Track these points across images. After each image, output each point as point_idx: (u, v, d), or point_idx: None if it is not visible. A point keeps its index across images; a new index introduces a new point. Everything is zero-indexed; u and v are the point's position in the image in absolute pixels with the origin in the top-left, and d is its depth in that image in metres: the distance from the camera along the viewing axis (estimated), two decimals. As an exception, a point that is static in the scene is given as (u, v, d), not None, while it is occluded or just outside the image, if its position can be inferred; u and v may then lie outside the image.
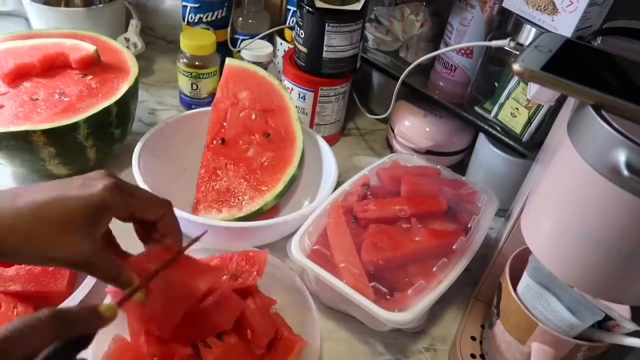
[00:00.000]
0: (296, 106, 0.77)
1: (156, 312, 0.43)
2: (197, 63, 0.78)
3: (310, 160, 0.70)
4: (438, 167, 0.67)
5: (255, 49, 0.78)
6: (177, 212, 0.48)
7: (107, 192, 0.39)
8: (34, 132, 0.59)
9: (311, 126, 0.79)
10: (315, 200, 0.62)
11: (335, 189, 0.62)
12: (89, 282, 0.51)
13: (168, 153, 0.68)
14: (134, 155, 0.63)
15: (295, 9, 0.79)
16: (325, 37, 0.70)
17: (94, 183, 0.39)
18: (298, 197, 0.70)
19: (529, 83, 0.57)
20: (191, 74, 0.79)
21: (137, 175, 0.60)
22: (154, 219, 0.43)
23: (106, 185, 0.39)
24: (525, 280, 0.47)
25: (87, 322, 0.36)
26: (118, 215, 0.41)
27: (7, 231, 0.36)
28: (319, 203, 0.60)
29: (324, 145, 0.71)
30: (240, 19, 0.86)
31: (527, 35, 0.60)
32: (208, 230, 0.46)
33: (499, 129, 0.67)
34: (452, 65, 0.72)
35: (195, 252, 0.55)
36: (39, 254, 0.37)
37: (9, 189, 0.39)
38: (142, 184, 0.59)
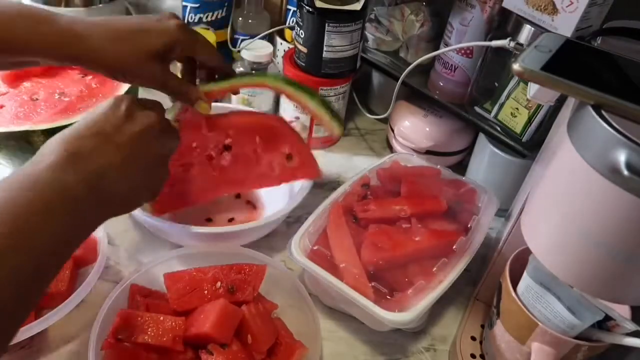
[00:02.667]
0: (296, 106, 0.78)
1: None
2: (197, 63, 0.78)
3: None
4: (438, 167, 0.67)
5: (255, 49, 0.78)
6: (159, 222, 0.54)
7: (180, 29, 0.49)
8: (34, 132, 0.59)
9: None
10: (293, 200, 0.61)
11: (335, 189, 0.62)
12: (89, 282, 0.51)
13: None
14: None
15: (295, 9, 0.79)
16: (325, 37, 0.70)
17: (168, 21, 0.49)
18: (275, 197, 0.69)
19: (529, 83, 0.57)
20: (191, 74, 0.79)
21: None
22: (209, 63, 0.54)
23: (178, 24, 0.49)
24: (525, 280, 0.47)
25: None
26: (184, 49, 0.51)
27: (110, 52, 0.46)
28: (296, 202, 0.60)
29: None
30: (240, 19, 0.86)
31: (527, 35, 0.60)
32: None
33: (499, 129, 0.67)
34: (452, 65, 0.72)
35: (188, 258, 0.56)
36: (123, 70, 0.48)
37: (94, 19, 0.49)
38: None
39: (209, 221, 0.65)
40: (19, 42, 0.45)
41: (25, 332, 0.47)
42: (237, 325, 0.49)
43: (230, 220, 0.66)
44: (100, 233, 0.56)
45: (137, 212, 0.55)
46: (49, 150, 0.36)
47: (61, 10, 0.82)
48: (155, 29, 0.49)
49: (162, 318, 0.47)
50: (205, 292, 0.51)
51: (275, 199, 0.68)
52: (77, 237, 0.37)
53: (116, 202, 0.40)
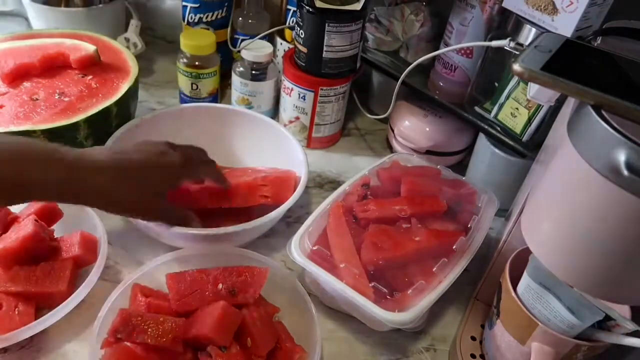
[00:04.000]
0: (296, 106, 0.78)
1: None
2: (197, 63, 0.78)
3: (281, 160, 0.70)
4: (438, 167, 0.67)
5: (255, 49, 0.78)
6: (154, 224, 0.55)
7: (184, 165, 0.52)
8: (34, 132, 0.59)
9: (311, 126, 0.79)
10: (289, 200, 0.61)
11: (335, 189, 0.62)
12: (89, 282, 0.51)
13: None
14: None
15: (295, 9, 0.79)
16: (325, 37, 0.70)
17: (171, 155, 0.52)
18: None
19: (529, 83, 0.58)
20: (191, 74, 0.79)
21: None
22: (211, 179, 0.59)
23: (181, 158, 0.52)
24: (525, 280, 0.47)
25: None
26: (187, 181, 0.57)
27: (108, 192, 0.47)
28: (291, 202, 0.60)
29: (295, 143, 0.69)
30: (240, 19, 0.86)
31: (527, 35, 0.60)
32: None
33: (499, 129, 0.67)
34: (452, 65, 0.72)
35: (188, 259, 0.56)
36: (129, 210, 0.50)
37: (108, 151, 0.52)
38: None
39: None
40: (20, 184, 0.42)
41: (25, 332, 0.47)
42: (237, 328, 0.49)
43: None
44: (100, 233, 0.56)
45: None
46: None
47: (61, 10, 0.83)
48: (160, 168, 0.51)
49: (162, 319, 0.47)
50: (207, 293, 0.51)
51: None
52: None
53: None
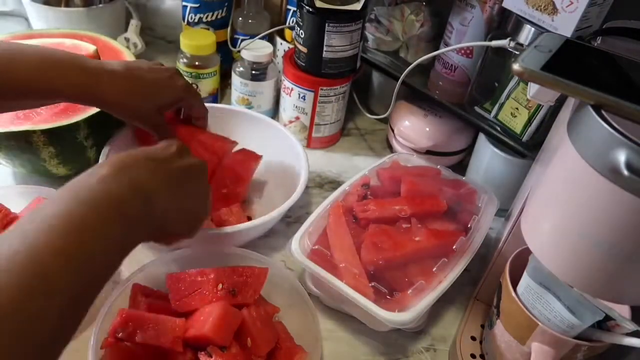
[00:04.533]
0: (296, 106, 0.78)
1: None
2: (197, 63, 0.79)
3: (281, 160, 0.70)
4: (438, 167, 0.67)
5: (255, 49, 0.78)
6: None
7: (185, 91, 0.58)
8: (34, 132, 0.59)
9: (311, 126, 0.79)
10: (289, 200, 0.61)
11: (335, 189, 0.62)
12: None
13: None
14: (101, 155, 0.62)
15: (295, 9, 0.79)
16: (325, 37, 0.70)
17: (177, 80, 0.58)
18: (271, 196, 0.70)
19: (529, 83, 0.57)
20: (191, 74, 0.79)
21: None
22: (196, 115, 0.63)
23: (184, 85, 0.58)
24: (525, 280, 0.47)
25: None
26: (184, 105, 0.62)
27: (120, 100, 0.53)
28: (292, 202, 0.60)
29: (295, 143, 0.69)
30: (240, 19, 0.86)
31: (527, 35, 0.60)
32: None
33: (499, 129, 0.67)
34: (452, 65, 0.72)
35: (187, 259, 0.56)
36: (132, 115, 0.56)
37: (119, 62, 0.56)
38: None
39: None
40: (49, 88, 0.49)
41: None
42: (237, 328, 0.49)
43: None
44: None
45: None
46: (103, 165, 0.38)
47: (61, 10, 0.83)
48: (166, 88, 0.57)
49: (162, 319, 0.47)
50: (207, 293, 0.51)
51: (272, 198, 0.69)
52: (123, 251, 0.36)
53: (156, 225, 0.41)
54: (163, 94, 0.57)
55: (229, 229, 0.57)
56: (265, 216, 0.58)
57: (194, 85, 0.80)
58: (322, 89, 0.75)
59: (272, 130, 0.72)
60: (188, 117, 0.63)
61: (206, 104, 0.79)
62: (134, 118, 0.56)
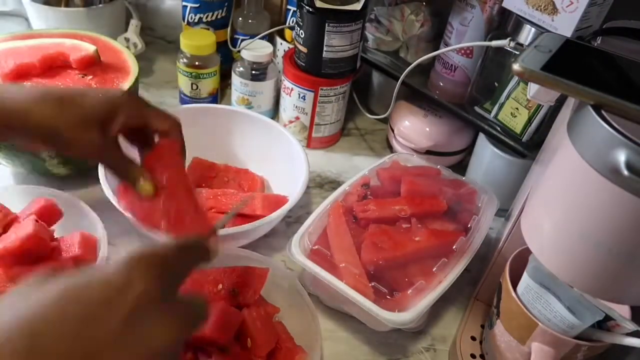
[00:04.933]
0: (296, 106, 0.78)
1: (167, 207, 0.44)
2: (197, 63, 0.79)
3: (281, 160, 0.70)
4: (438, 167, 0.67)
5: (255, 49, 0.78)
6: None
7: (125, 94, 0.44)
8: (34, 132, 0.59)
9: (311, 126, 0.79)
10: (290, 200, 0.61)
11: (335, 189, 0.62)
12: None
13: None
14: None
15: (295, 9, 0.79)
16: (325, 37, 0.70)
17: (116, 90, 0.44)
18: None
19: (529, 83, 0.57)
20: (191, 74, 0.79)
21: (102, 176, 0.58)
22: (162, 128, 0.45)
23: (125, 92, 0.44)
24: (525, 280, 0.47)
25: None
26: (131, 119, 0.44)
27: (36, 112, 0.40)
28: (293, 203, 0.60)
29: (295, 143, 0.69)
30: (240, 19, 0.86)
31: (527, 35, 0.60)
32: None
33: (499, 129, 0.67)
34: (452, 65, 0.72)
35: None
36: (54, 136, 0.41)
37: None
38: (105, 184, 0.58)
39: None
40: None
41: None
42: (237, 328, 0.49)
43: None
44: (100, 233, 0.56)
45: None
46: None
47: (61, 10, 0.83)
48: (95, 94, 0.43)
49: None
50: (207, 293, 0.51)
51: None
52: None
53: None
54: (88, 98, 0.42)
55: (229, 229, 0.57)
56: (265, 217, 0.58)
57: (194, 86, 0.80)
58: (322, 89, 0.75)
59: (272, 131, 0.72)
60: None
61: (206, 105, 0.78)
62: (52, 137, 0.42)
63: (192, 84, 0.80)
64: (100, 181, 0.58)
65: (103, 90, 0.45)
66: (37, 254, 0.53)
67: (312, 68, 0.74)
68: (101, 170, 0.59)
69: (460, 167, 0.78)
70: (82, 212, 0.58)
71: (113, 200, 0.56)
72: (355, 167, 0.80)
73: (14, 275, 0.51)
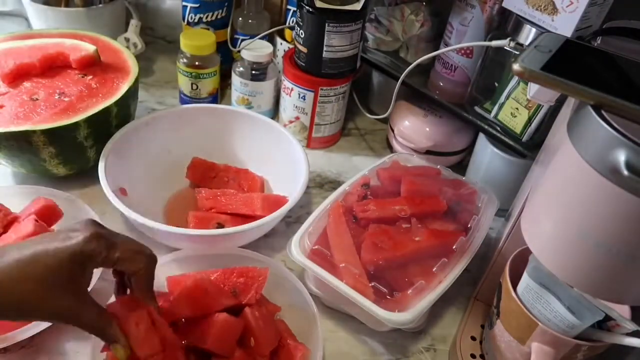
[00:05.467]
0: (296, 106, 0.78)
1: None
2: (197, 63, 0.79)
3: (281, 161, 0.70)
4: (438, 167, 0.67)
5: (255, 49, 0.78)
6: (151, 223, 0.54)
7: (87, 243, 0.39)
8: (34, 132, 0.59)
9: (311, 126, 0.79)
10: (290, 200, 0.61)
11: (335, 189, 0.62)
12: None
13: (145, 152, 0.68)
14: (101, 156, 0.61)
15: (295, 9, 0.79)
16: (325, 37, 0.70)
17: (75, 235, 0.39)
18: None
19: (529, 83, 0.58)
20: (191, 74, 0.79)
21: (102, 176, 0.59)
22: (132, 271, 0.43)
23: (86, 237, 0.39)
24: (525, 280, 0.47)
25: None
26: (101, 265, 0.41)
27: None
28: (292, 203, 0.60)
29: (295, 143, 0.69)
30: (240, 19, 0.86)
31: (527, 35, 0.60)
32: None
33: (499, 129, 0.67)
34: (452, 65, 0.72)
35: (188, 260, 0.56)
36: (27, 312, 0.38)
37: None
38: (105, 184, 0.58)
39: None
40: None
41: (25, 332, 0.47)
42: (238, 337, 0.48)
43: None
44: None
45: (132, 214, 0.55)
46: None
47: (61, 10, 0.82)
48: (53, 252, 0.38)
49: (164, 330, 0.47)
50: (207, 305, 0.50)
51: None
52: None
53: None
54: (58, 267, 0.38)
55: (229, 229, 0.57)
56: (265, 217, 0.58)
57: (194, 86, 0.80)
58: (322, 89, 0.75)
59: (272, 131, 0.72)
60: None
61: (206, 105, 0.78)
62: (39, 318, 0.41)
63: (192, 84, 0.80)
64: (101, 181, 0.58)
65: (68, 239, 0.39)
66: None
67: (312, 68, 0.74)
68: (101, 171, 0.59)
69: (460, 167, 0.78)
70: (82, 212, 0.58)
71: (113, 200, 0.56)
72: (355, 167, 0.80)
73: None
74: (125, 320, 0.42)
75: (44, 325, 0.48)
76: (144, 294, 0.44)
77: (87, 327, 0.40)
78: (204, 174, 0.71)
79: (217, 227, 0.62)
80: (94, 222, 0.41)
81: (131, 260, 0.42)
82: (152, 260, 0.44)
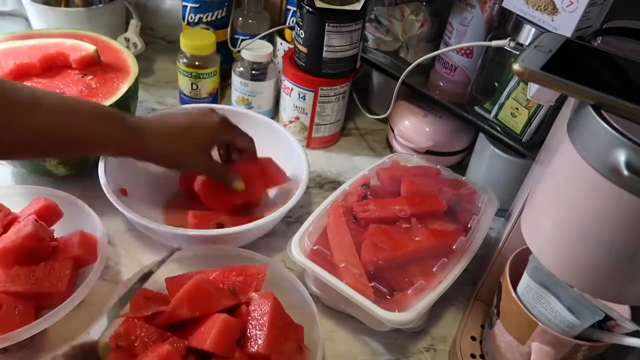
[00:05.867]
0: (296, 106, 0.78)
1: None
2: (197, 63, 0.79)
3: (281, 161, 0.69)
4: (438, 167, 0.67)
5: (255, 49, 0.78)
6: (151, 224, 0.56)
7: (222, 124, 0.60)
8: (34, 132, 0.59)
9: (311, 126, 0.79)
10: (290, 200, 0.61)
11: (335, 189, 0.62)
12: (89, 282, 0.51)
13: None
14: (101, 156, 0.62)
15: (295, 9, 0.79)
16: (325, 37, 0.70)
17: (211, 117, 0.59)
18: (271, 197, 0.70)
19: (529, 83, 0.58)
20: (191, 74, 0.79)
21: (102, 177, 0.59)
22: (241, 147, 0.63)
23: (220, 119, 0.60)
24: (525, 280, 0.47)
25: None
26: (224, 141, 0.62)
27: (160, 146, 0.56)
28: (293, 202, 0.60)
29: (295, 143, 0.69)
30: (240, 19, 0.86)
31: (527, 35, 0.60)
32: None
33: (499, 129, 0.67)
34: (452, 65, 0.72)
35: (188, 260, 0.56)
36: (178, 163, 0.59)
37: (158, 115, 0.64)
38: (105, 185, 0.58)
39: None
40: (92, 141, 0.52)
41: (25, 332, 0.47)
42: (238, 337, 0.48)
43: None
44: (99, 233, 0.56)
45: (133, 215, 0.55)
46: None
47: (61, 10, 0.83)
48: (202, 126, 0.58)
49: (165, 337, 0.47)
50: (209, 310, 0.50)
51: (273, 199, 0.68)
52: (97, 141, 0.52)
53: (151, 151, 0.55)
54: (199, 131, 0.58)
55: (229, 229, 0.57)
56: (266, 217, 0.58)
57: (194, 86, 0.80)
58: (322, 89, 0.75)
59: (272, 131, 0.72)
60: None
61: (207, 105, 0.79)
62: (178, 164, 0.59)
63: (192, 84, 0.80)
64: (101, 181, 0.58)
65: (206, 118, 0.59)
66: (37, 254, 0.53)
67: (312, 68, 0.74)
68: (101, 171, 0.59)
69: (460, 167, 0.78)
70: (82, 212, 0.58)
71: (113, 200, 0.56)
72: (355, 167, 0.80)
73: (14, 275, 0.51)
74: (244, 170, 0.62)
75: (44, 325, 0.48)
76: (254, 149, 0.64)
77: (215, 173, 0.61)
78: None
79: (217, 227, 0.61)
80: (214, 110, 0.61)
81: (243, 138, 0.63)
82: (252, 140, 0.64)
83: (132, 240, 0.63)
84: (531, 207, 0.46)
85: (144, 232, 0.60)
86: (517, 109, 0.64)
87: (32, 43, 0.69)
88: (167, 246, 0.60)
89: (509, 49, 0.58)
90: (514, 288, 0.48)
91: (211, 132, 0.59)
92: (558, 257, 0.41)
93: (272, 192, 0.71)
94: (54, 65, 0.67)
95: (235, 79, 0.80)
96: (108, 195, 0.57)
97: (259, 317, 0.49)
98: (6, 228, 0.55)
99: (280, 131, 0.71)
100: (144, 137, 0.54)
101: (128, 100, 0.67)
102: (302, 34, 0.72)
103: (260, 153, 0.72)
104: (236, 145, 0.63)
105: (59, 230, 0.58)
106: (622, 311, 0.45)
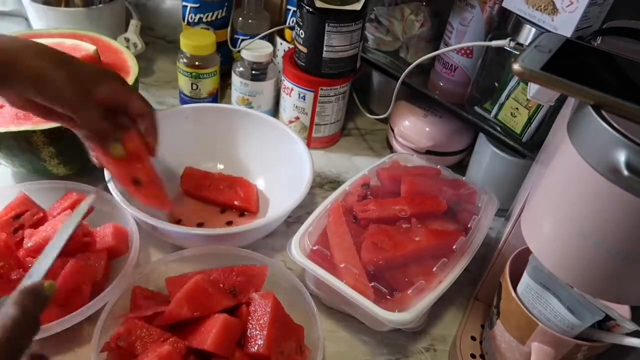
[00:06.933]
0: (296, 106, 0.78)
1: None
2: (197, 63, 0.79)
3: (283, 160, 0.70)
4: (438, 167, 0.67)
5: (255, 49, 0.78)
6: (156, 222, 0.55)
7: (115, 74, 0.50)
8: (34, 132, 0.59)
9: (311, 126, 0.79)
10: (293, 200, 0.61)
11: (335, 189, 0.62)
12: (125, 273, 0.53)
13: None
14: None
15: (295, 9, 0.79)
16: (325, 37, 0.70)
17: (108, 68, 0.51)
18: (273, 197, 0.70)
19: (529, 83, 0.58)
20: (191, 74, 0.79)
21: (108, 176, 0.59)
22: (139, 111, 0.51)
23: (121, 79, 0.50)
24: (525, 280, 0.47)
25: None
26: (115, 92, 0.49)
27: (37, 66, 0.44)
28: (296, 202, 0.60)
29: (299, 142, 0.69)
30: (240, 19, 0.86)
31: (527, 35, 0.60)
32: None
33: (499, 129, 0.67)
34: (452, 65, 0.72)
35: (188, 260, 0.56)
36: (43, 89, 0.45)
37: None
38: (111, 184, 0.58)
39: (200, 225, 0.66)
40: None
41: (63, 324, 0.48)
42: (238, 337, 0.48)
43: (229, 223, 0.67)
44: (131, 225, 0.58)
45: (138, 213, 0.55)
46: None
47: (61, 10, 0.83)
48: (95, 70, 0.48)
49: (165, 337, 0.47)
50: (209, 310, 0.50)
51: (274, 200, 0.68)
52: None
53: (31, 74, 0.44)
54: (87, 73, 0.47)
55: (232, 229, 0.57)
56: (266, 218, 0.58)
57: (194, 86, 0.80)
58: (322, 89, 0.75)
59: (275, 131, 0.72)
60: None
61: (207, 105, 0.78)
62: (64, 103, 0.46)
63: (192, 84, 0.80)
64: (106, 179, 0.59)
65: (104, 69, 0.50)
66: (73, 246, 0.53)
67: (312, 68, 0.74)
68: (107, 173, 0.59)
69: (460, 167, 0.78)
70: (113, 207, 0.60)
71: (118, 198, 0.56)
72: (355, 167, 0.80)
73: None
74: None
75: (96, 306, 0.49)
76: (153, 131, 0.53)
77: (97, 126, 0.49)
78: (198, 182, 0.70)
79: (225, 224, 0.62)
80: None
81: (138, 100, 0.51)
82: (154, 111, 0.53)
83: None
84: (531, 207, 0.46)
85: (145, 232, 0.60)
86: (517, 109, 0.64)
87: (32, 43, 0.69)
88: (170, 244, 0.60)
89: (509, 49, 0.58)
90: (514, 288, 0.48)
91: (99, 72, 0.48)
92: (558, 257, 0.41)
93: (272, 192, 0.71)
94: (54, 65, 0.67)
95: (235, 79, 0.80)
96: (114, 194, 0.57)
97: (259, 317, 0.49)
98: (36, 225, 0.57)
99: (284, 131, 0.71)
100: (25, 61, 0.44)
101: (128, 100, 0.67)
102: (302, 34, 0.72)
103: (263, 153, 0.72)
104: (132, 108, 0.51)
105: (90, 224, 0.59)
106: (622, 311, 0.45)
